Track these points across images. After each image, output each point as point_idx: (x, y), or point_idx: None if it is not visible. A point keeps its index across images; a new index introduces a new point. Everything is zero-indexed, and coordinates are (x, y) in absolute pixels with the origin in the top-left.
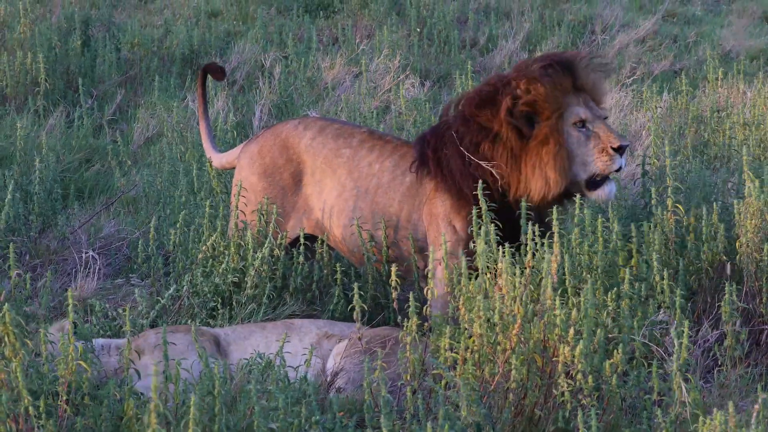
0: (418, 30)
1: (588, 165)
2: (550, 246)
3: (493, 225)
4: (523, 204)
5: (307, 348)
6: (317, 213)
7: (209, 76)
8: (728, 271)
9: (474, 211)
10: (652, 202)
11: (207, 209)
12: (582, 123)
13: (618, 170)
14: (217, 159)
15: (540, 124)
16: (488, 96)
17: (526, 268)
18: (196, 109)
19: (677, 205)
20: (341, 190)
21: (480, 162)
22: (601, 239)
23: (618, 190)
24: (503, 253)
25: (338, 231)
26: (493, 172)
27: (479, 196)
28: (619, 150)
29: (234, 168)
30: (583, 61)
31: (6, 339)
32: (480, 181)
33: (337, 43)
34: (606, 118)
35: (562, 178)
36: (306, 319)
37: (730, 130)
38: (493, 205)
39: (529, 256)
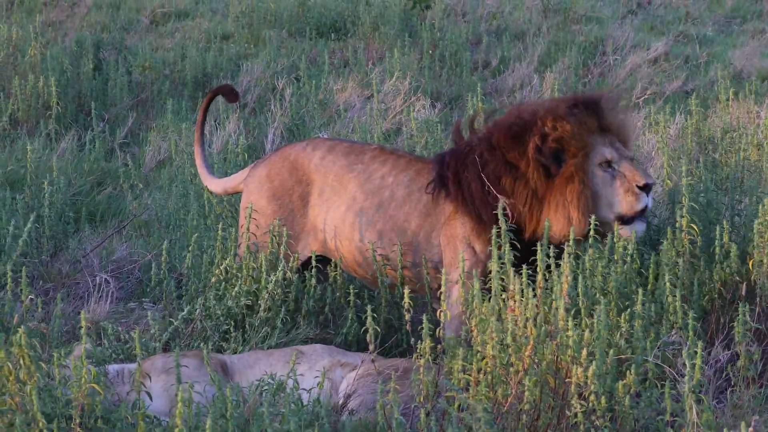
0: (430, 52)
1: (614, 206)
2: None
3: (509, 247)
4: (547, 223)
5: (318, 375)
6: (322, 234)
7: (221, 99)
8: (742, 292)
9: (494, 231)
10: (677, 224)
11: (219, 232)
12: (608, 163)
13: (644, 210)
14: (217, 184)
15: (567, 162)
16: (518, 133)
17: (538, 289)
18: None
19: (692, 225)
20: (351, 203)
21: (498, 195)
22: (620, 261)
23: (647, 229)
24: (517, 274)
25: (349, 248)
26: (509, 208)
27: (500, 217)
28: (645, 188)
29: (237, 192)
30: (609, 102)
31: (21, 362)
32: (501, 202)
33: (348, 66)
34: (632, 159)
35: (584, 217)
36: (317, 345)
37: (743, 151)
38: (513, 226)
39: (539, 277)
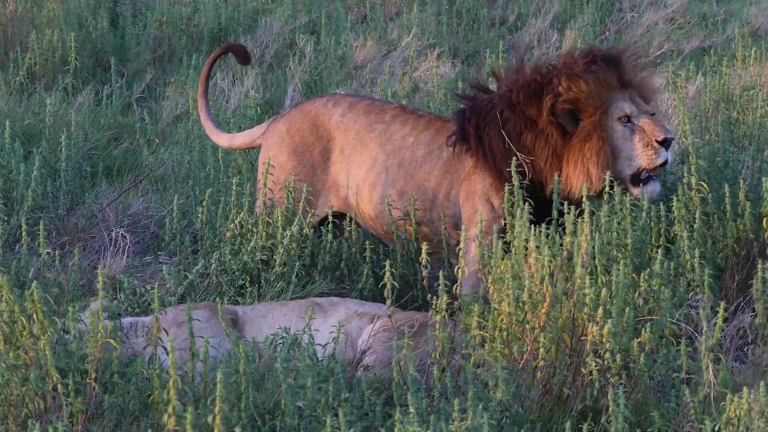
0: (447, 8)
1: (633, 160)
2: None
3: (526, 204)
4: (556, 179)
5: (333, 328)
6: (345, 190)
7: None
8: (756, 250)
9: (507, 188)
10: (684, 180)
11: (234, 187)
12: (627, 118)
13: (664, 164)
14: (224, 138)
15: (583, 121)
16: (535, 90)
17: (560, 248)
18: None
19: (702, 182)
20: (373, 164)
21: (519, 152)
22: (629, 218)
23: (662, 190)
24: (535, 232)
25: (369, 207)
26: (531, 164)
27: (513, 174)
28: (664, 143)
29: (249, 148)
30: (630, 57)
31: (34, 317)
32: (515, 159)
33: (365, 21)
34: (653, 114)
35: (603, 174)
36: (334, 297)
37: (761, 109)
38: (528, 183)
39: (567, 238)
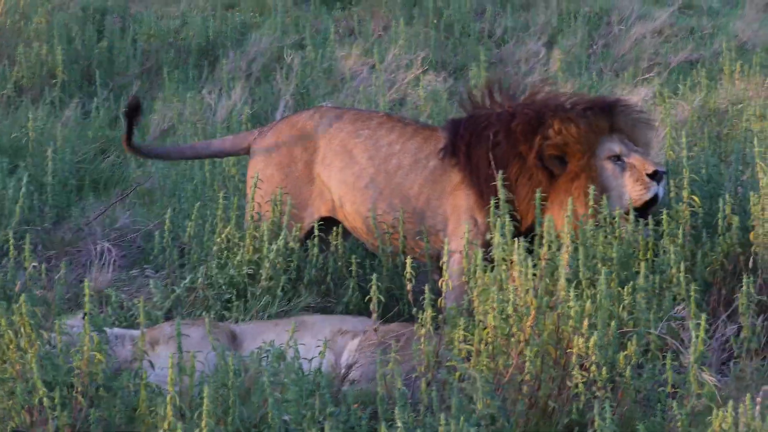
0: (435, 21)
1: (623, 196)
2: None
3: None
4: (538, 195)
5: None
6: (330, 194)
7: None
8: (743, 264)
9: (492, 202)
10: (672, 194)
11: (220, 201)
12: (617, 157)
13: (654, 200)
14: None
15: (571, 163)
16: (533, 128)
17: (540, 260)
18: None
19: (693, 196)
20: (358, 171)
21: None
22: (618, 231)
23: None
24: (518, 245)
25: (355, 214)
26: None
27: (498, 188)
28: (655, 176)
29: (238, 154)
30: (624, 108)
31: (21, 330)
32: (501, 172)
33: (353, 35)
34: (643, 153)
35: (589, 216)
36: (318, 315)
37: (746, 122)
38: (512, 196)
39: (545, 248)
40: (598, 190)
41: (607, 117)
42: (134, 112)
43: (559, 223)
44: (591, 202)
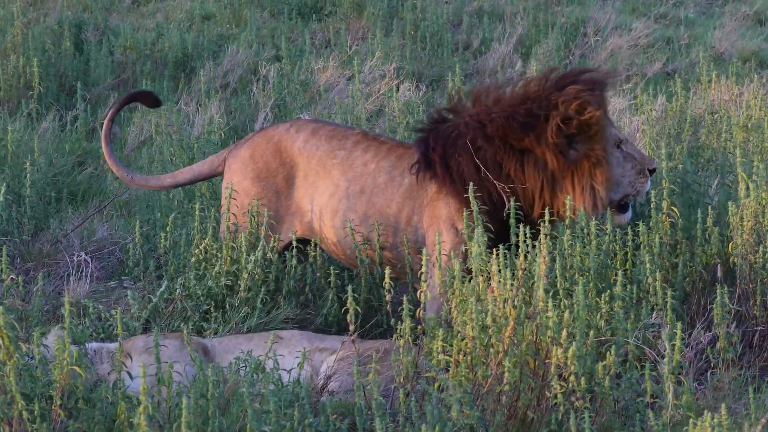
0: (412, 33)
1: (625, 186)
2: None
3: (484, 228)
4: (512, 204)
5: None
6: (309, 215)
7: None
8: (719, 274)
9: (465, 214)
10: (652, 205)
11: (197, 213)
12: (619, 144)
13: (647, 192)
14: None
15: (586, 145)
16: (528, 122)
17: (518, 270)
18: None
19: (672, 207)
20: (335, 191)
21: (497, 181)
22: (594, 241)
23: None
24: (496, 255)
25: (331, 233)
26: (514, 189)
27: (471, 199)
28: (653, 173)
29: (210, 178)
30: (613, 82)
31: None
32: (471, 184)
33: (329, 46)
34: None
35: (608, 198)
36: (296, 330)
37: (726, 133)
38: (485, 207)
39: (521, 258)
40: (612, 177)
41: (605, 95)
42: (129, 101)
43: (580, 205)
44: (605, 189)
